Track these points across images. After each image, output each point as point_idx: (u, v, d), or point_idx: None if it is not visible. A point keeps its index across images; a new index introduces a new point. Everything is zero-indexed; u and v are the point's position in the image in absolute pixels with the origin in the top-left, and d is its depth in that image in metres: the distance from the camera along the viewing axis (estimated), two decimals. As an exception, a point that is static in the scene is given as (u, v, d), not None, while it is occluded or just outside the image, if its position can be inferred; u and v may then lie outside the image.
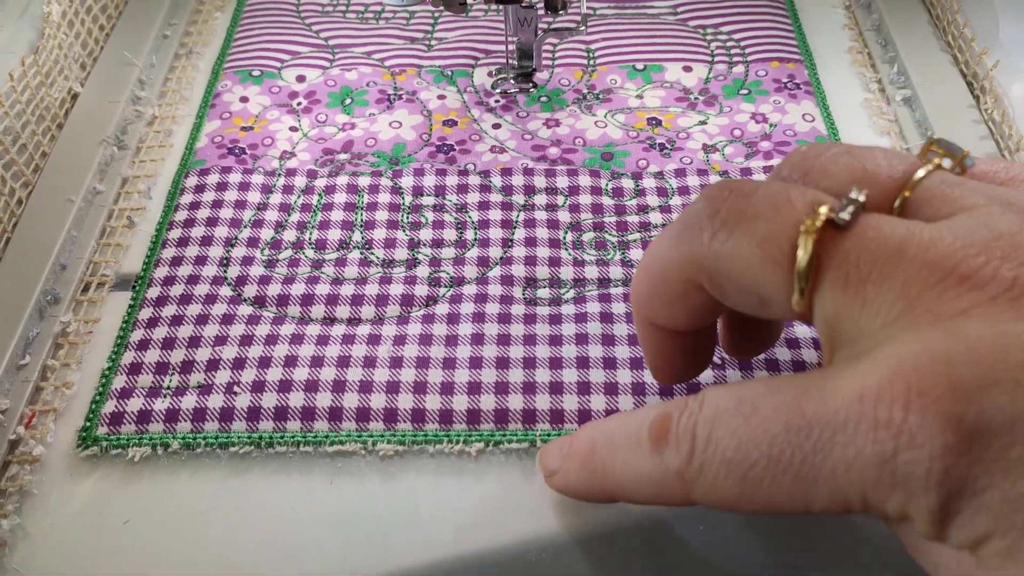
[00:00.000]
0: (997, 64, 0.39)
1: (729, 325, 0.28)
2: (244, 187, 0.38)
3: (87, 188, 0.36)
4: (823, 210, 0.19)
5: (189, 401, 0.30)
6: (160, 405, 0.30)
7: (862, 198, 0.20)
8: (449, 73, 0.43)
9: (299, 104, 0.42)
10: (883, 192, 0.21)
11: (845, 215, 0.19)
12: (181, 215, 0.37)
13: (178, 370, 0.31)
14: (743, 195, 0.21)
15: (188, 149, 0.40)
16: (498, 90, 0.42)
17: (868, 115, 0.41)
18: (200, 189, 0.38)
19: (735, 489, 0.20)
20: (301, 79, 0.43)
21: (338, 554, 0.27)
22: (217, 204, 0.37)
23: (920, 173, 0.21)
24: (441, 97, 0.42)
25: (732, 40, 0.45)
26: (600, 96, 0.42)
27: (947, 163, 0.22)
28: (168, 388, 0.31)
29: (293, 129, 0.41)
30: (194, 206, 0.37)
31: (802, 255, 0.19)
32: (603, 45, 0.45)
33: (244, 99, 0.42)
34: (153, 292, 0.34)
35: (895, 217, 0.20)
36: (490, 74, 0.43)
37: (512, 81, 0.42)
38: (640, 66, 0.44)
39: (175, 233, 0.36)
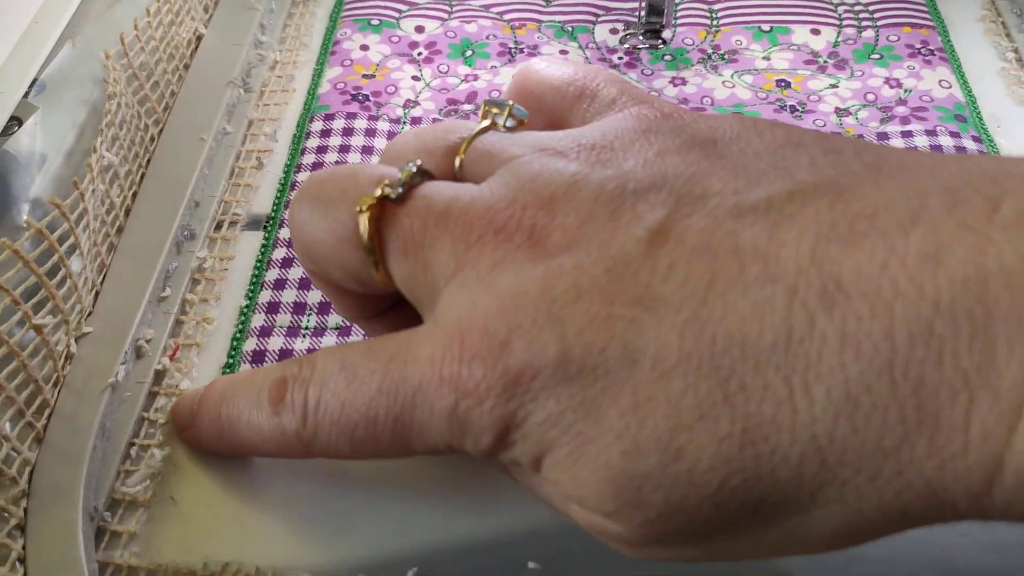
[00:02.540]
0: None
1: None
2: (370, 133, 0.37)
3: (216, 128, 0.36)
4: (378, 189, 0.21)
5: (329, 342, 0.30)
6: (301, 345, 0.30)
7: (414, 168, 0.22)
8: (570, 29, 0.43)
9: (419, 54, 0.41)
10: (444, 160, 0.23)
11: (396, 189, 0.21)
12: (308, 159, 0.36)
13: (316, 311, 0.31)
14: (319, 181, 0.23)
15: (311, 94, 0.39)
16: (626, 45, 0.41)
17: (1006, 84, 0.40)
18: (326, 134, 0.37)
19: (347, 447, 0.22)
20: (420, 30, 0.42)
21: (488, 496, 0.26)
22: (344, 149, 0.36)
23: (471, 134, 0.23)
24: (563, 52, 0.41)
25: (860, 4, 0.44)
26: (726, 56, 0.41)
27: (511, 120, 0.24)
28: (307, 328, 0.30)
29: (415, 79, 0.40)
30: (321, 150, 0.36)
31: (363, 232, 0.21)
32: (726, 5, 0.44)
33: (364, 47, 0.41)
34: (285, 233, 0.33)
35: (448, 183, 0.22)
36: (613, 31, 0.42)
37: (641, 37, 0.41)
38: (766, 27, 0.42)
39: (303, 176, 0.35)
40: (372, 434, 0.21)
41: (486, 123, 0.23)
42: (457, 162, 0.23)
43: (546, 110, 0.25)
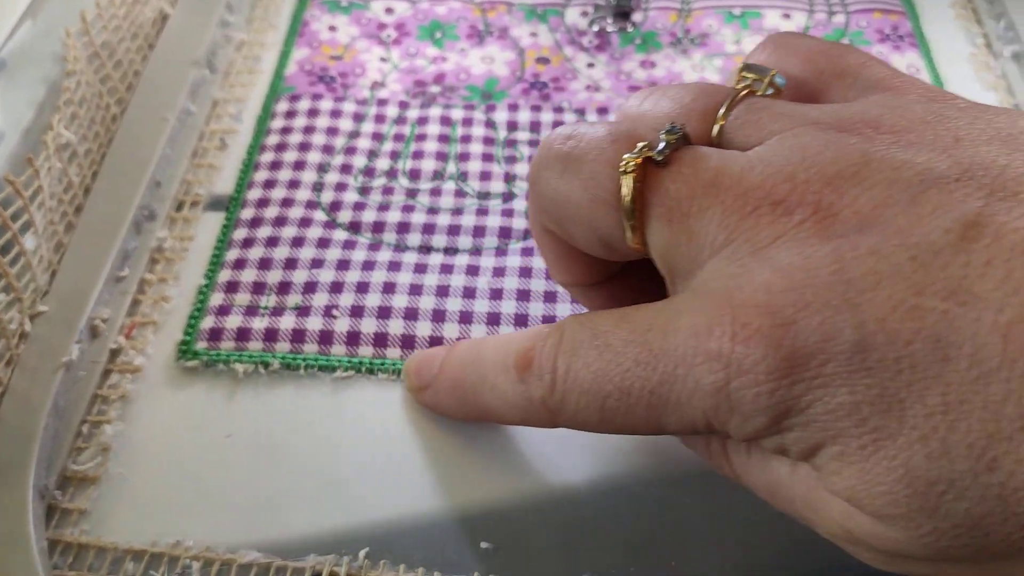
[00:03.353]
0: (1117, 20, 0.38)
1: None
2: (336, 114, 0.37)
3: (180, 108, 0.35)
4: (640, 147, 0.20)
5: (288, 322, 0.30)
6: (259, 324, 0.30)
7: (677, 132, 0.21)
8: (541, 11, 0.42)
9: (388, 36, 0.41)
10: (700, 124, 0.22)
11: (661, 151, 0.20)
12: (272, 139, 0.36)
13: (275, 291, 0.31)
14: (569, 137, 0.22)
15: (277, 75, 0.39)
16: (595, 28, 0.41)
17: (974, 70, 0.40)
18: (291, 115, 0.37)
19: (596, 417, 0.21)
20: (389, 11, 0.42)
21: (442, 477, 0.26)
22: (309, 130, 0.36)
23: (732, 99, 0.22)
24: (533, 35, 0.41)
25: (831, -11, 0.44)
26: (696, 40, 0.41)
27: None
28: (266, 308, 0.30)
29: (383, 60, 0.40)
30: (285, 131, 0.36)
31: (625, 194, 0.20)
32: (698, -11, 0.44)
33: (333, 28, 0.41)
34: (247, 213, 0.33)
35: (713, 149, 0.21)
36: (584, 13, 0.42)
37: (610, 20, 0.41)
38: (737, 12, 0.42)
39: (267, 157, 0.35)
40: (624, 406, 0.20)
41: (742, 89, 0.22)
42: (716, 128, 0.21)
43: (796, 84, 0.23)
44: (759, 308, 0.18)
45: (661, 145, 0.20)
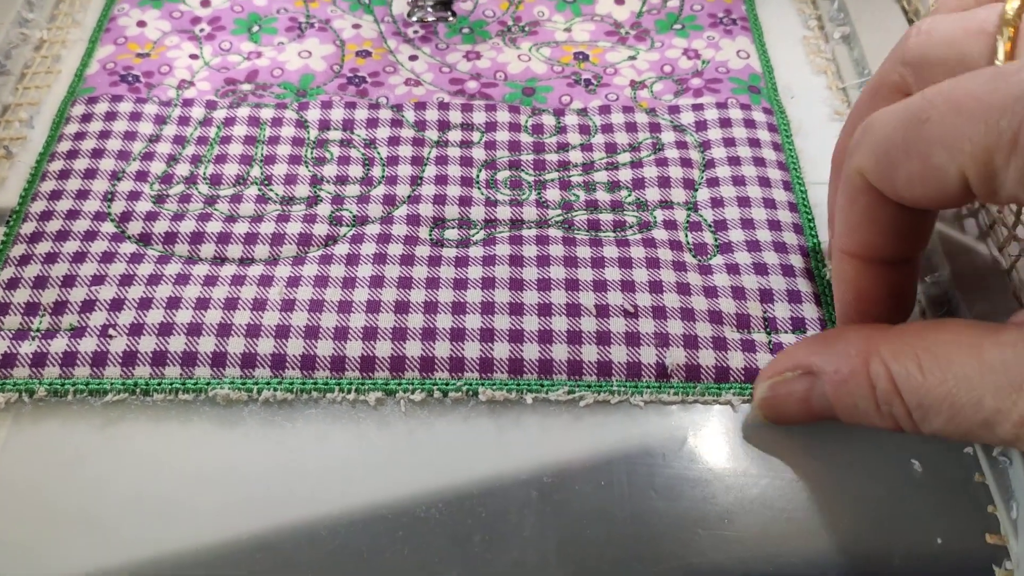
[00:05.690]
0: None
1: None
2: (135, 117, 0.35)
3: (-40, 115, 0.33)
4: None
5: (59, 344, 0.28)
6: (27, 348, 0.28)
7: None
8: (366, 1, 0.41)
9: (202, 30, 0.39)
10: None
11: None
12: (64, 146, 0.34)
13: (49, 311, 0.29)
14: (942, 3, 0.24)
15: (77, 76, 0.37)
16: (415, 18, 0.39)
17: (806, 53, 0.39)
18: (87, 119, 0.35)
19: None
20: (206, 4, 0.40)
21: (217, 509, 0.25)
22: (104, 135, 0.34)
23: None
24: (356, 26, 0.40)
25: (668, -28, 0.43)
26: (526, 28, 0.40)
27: None
28: (37, 330, 0.28)
29: (193, 57, 0.38)
30: (79, 136, 0.34)
31: (1009, 8, 0.22)
32: (532, -25, 0.42)
33: (142, 23, 0.39)
34: (28, 228, 0.31)
35: None
36: (409, 2, 0.40)
37: (430, 9, 0.39)
38: (570, -3, 0.41)
39: (56, 165, 0.33)
40: None
41: None
42: None
43: None
44: None
45: None
